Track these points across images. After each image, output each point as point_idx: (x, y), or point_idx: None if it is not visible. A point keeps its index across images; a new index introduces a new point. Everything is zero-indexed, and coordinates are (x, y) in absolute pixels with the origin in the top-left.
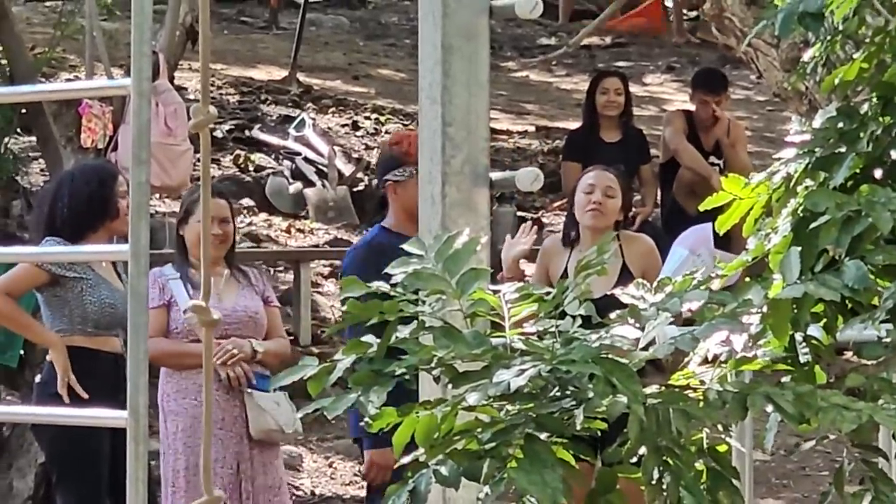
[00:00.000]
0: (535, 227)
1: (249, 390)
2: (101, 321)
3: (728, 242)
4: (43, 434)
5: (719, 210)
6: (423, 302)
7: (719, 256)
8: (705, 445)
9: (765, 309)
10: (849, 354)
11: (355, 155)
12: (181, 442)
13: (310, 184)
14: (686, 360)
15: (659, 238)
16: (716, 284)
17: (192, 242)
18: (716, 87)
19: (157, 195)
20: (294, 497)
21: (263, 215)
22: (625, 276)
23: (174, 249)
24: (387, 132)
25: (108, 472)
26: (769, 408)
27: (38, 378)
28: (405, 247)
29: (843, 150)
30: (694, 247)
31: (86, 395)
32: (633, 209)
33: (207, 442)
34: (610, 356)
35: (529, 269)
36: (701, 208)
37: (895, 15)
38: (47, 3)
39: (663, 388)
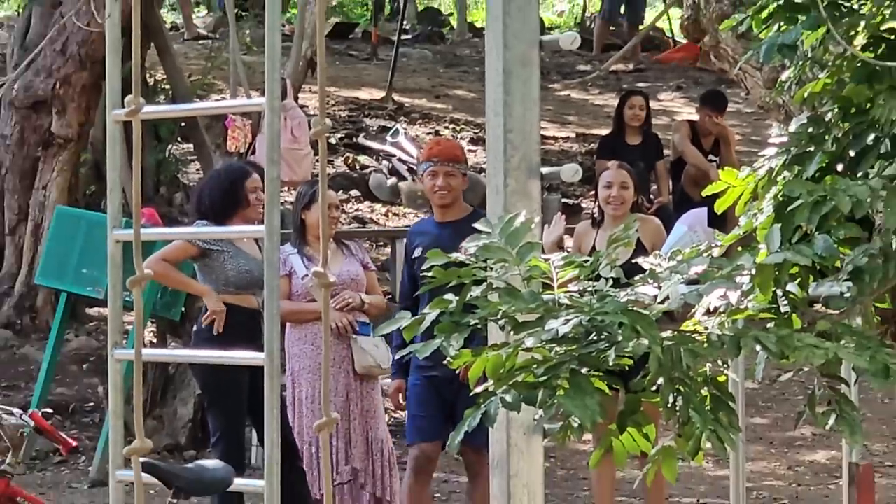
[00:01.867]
0: (563, 216)
1: (354, 336)
2: (240, 283)
3: (724, 220)
4: (198, 371)
5: (717, 195)
6: (491, 268)
7: (713, 233)
8: (708, 376)
9: (753, 271)
10: (818, 306)
11: None
12: (303, 378)
13: (403, 178)
14: (693, 311)
15: (671, 219)
16: (716, 253)
17: (314, 224)
18: (719, 106)
19: (286, 188)
20: (389, 418)
21: (367, 203)
22: (640, 249)
23: (292, 230)
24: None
25: (248, 399)
26: (757, 347)
27: (195, 328)
28: (476, 225)
29: (812, 149)
30: (692, 225)
31: (220, 331)
32: (652, 197)
33: (326, 376)
34: (635, 309)
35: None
36: (703, 194)
37: (851, 44)
38: (201, 42)
39: (676, 333)
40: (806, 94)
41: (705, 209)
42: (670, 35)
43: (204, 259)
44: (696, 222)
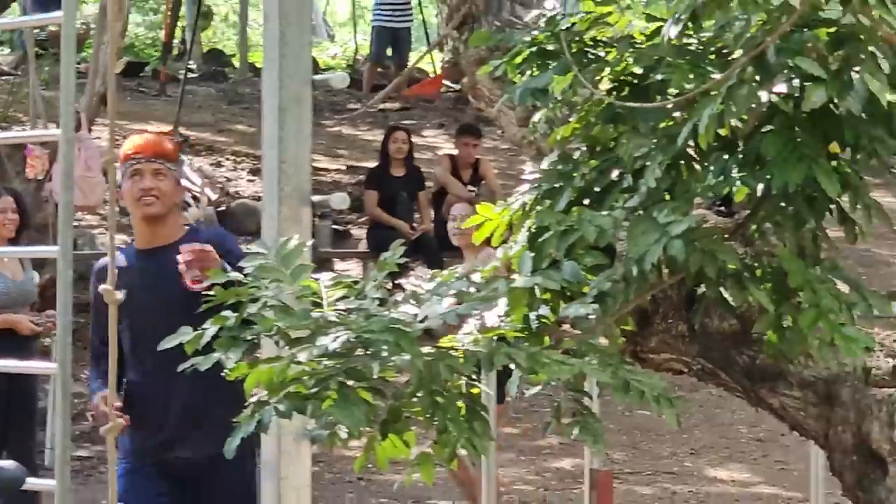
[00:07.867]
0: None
1: None
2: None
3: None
4: None
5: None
6: (267, 287)
7: None
8: (464, 390)
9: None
10: (566, 326)
11: (219, 185)
12: None
13: (187, 205)
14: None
15: (431, 244)
16: (476, 277)
17: None
18: (474, 132)
19: (79, 212)
20: None
21: None
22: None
23: None
24: (242, 169)
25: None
26: (510, 363)
27: None
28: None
29: (562, 184)
30: None
31: None
32: (415, 225)
33: (113, 385)
34: (398, 327)
35: None
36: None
37: (597, 88)
38: (3, 77)
39: (435, 349)
40: (559, 137)
41: None
42: (433, 75)
43: None
44: None
